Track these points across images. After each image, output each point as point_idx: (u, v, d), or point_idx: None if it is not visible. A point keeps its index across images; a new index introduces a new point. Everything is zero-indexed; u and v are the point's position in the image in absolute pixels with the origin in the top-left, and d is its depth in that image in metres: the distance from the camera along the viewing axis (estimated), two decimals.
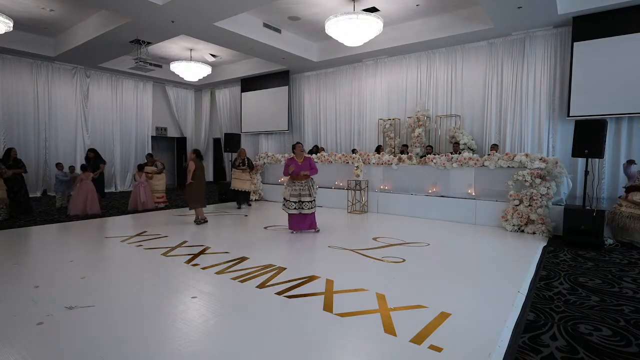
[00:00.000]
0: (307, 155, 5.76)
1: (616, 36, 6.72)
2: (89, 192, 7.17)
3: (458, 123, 8.87)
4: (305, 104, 11.88)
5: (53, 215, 7.09)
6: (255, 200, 9.32)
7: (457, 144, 8.31)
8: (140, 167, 8.08)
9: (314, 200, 5.53)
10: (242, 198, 8.37)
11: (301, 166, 5.50)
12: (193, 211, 6.41)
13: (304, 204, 5.43)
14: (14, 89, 10.03)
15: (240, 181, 8.24)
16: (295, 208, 5.42)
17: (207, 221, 6.38)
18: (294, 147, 5.74)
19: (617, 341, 2.41)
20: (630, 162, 5.60)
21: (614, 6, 6.55)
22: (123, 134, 12.40)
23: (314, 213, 5.57)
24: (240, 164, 8.29)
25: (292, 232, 5.54)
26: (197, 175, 6.26)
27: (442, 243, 5.05)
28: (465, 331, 2.46)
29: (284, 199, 5.52)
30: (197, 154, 6.40)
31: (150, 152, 11.09)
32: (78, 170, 8.61)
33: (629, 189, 5.28)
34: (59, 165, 8.26)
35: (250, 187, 8.48)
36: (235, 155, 10.13)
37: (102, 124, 11.89)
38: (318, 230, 5.64)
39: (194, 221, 6.33)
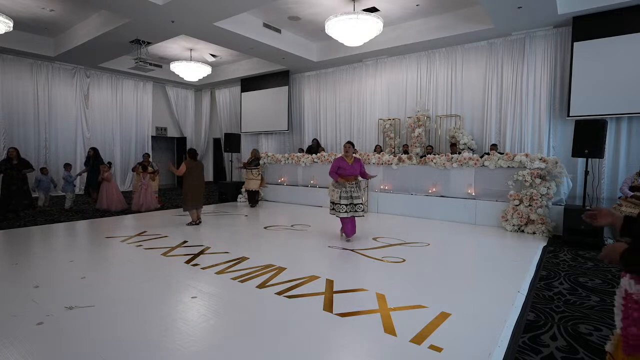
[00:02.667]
0: (356, 157, 5.16)
1: (616, 36, 6.71)
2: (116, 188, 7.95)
3: (458, 123, 8.87)
4: (305, 104, 11.87)
5: (53, 215, 7.09)
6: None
7: (454, 144, 8.31)
8: (144, 168, 8.09)
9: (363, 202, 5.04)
10: (255, 197, 8.61)
11: (351, 168, 4.98)
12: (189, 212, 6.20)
13: (357, 206, 4.93)
14: (14, 89, 10.03)
15: (251, 181, 8.47)
16: (346, 211, 4.90)
17: (198, 223, 6.12)
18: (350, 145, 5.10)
19: None
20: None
21: (614, 6, 6.55)
22: (123, 134, 12.39)
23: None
24: (251, 164, 8.50)
25: (349, 240, 5.02)
26: (192, 176, 6.02)
27: (442, 243, 5.05)
28: (465, 331, 2.47)
29: (332, 202, 5.00)
30: (192, 155, 6.20)
31: (147, 152, 10.98)
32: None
33: (633, 189, 5.29)
34: (67, 167, 8.41)
35: (258, 186, 8.59)
36: (235, 154, 10.18)
37: (102, 124, 11.88)
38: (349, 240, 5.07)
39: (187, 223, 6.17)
